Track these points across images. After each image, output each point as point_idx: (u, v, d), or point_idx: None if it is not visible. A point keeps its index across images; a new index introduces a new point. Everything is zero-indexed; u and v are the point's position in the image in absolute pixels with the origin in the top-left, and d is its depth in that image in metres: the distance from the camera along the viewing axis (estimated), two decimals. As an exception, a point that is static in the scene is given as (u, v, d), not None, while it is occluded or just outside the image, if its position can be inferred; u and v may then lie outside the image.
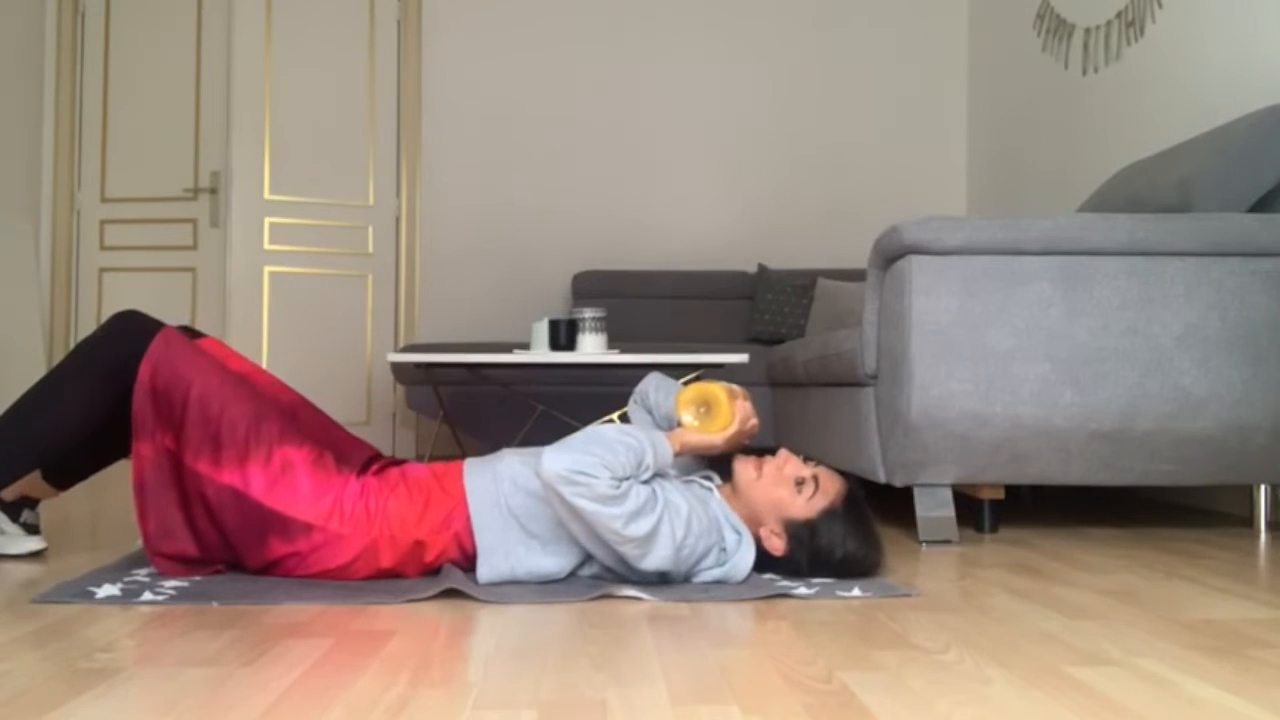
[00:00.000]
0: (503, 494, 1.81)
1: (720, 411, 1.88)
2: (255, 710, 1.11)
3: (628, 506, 1.67)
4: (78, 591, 1.69)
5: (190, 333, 2.00)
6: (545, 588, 1.76)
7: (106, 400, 1.90)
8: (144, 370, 1.81)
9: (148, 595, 1.68)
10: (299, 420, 1.96)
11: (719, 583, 1.80)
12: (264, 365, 4.52)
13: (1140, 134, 3.55)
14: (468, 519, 1.81)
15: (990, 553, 2.24)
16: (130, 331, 1.89)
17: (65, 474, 2.06)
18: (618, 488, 1.66)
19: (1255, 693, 1.20)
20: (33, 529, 2.06)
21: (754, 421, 1.92)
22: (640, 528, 1.69)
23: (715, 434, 1.88)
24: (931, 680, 1.24)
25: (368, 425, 4.80)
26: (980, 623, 1.56)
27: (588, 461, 1.66)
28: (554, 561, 1.80)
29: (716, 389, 1.90)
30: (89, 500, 3.02)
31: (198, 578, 1.82)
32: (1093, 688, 1.21)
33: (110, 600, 1.66)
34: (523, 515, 1.79)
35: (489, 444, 4.21)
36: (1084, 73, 3.92)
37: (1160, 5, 3.42)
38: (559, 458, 1.66)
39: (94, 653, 1.34)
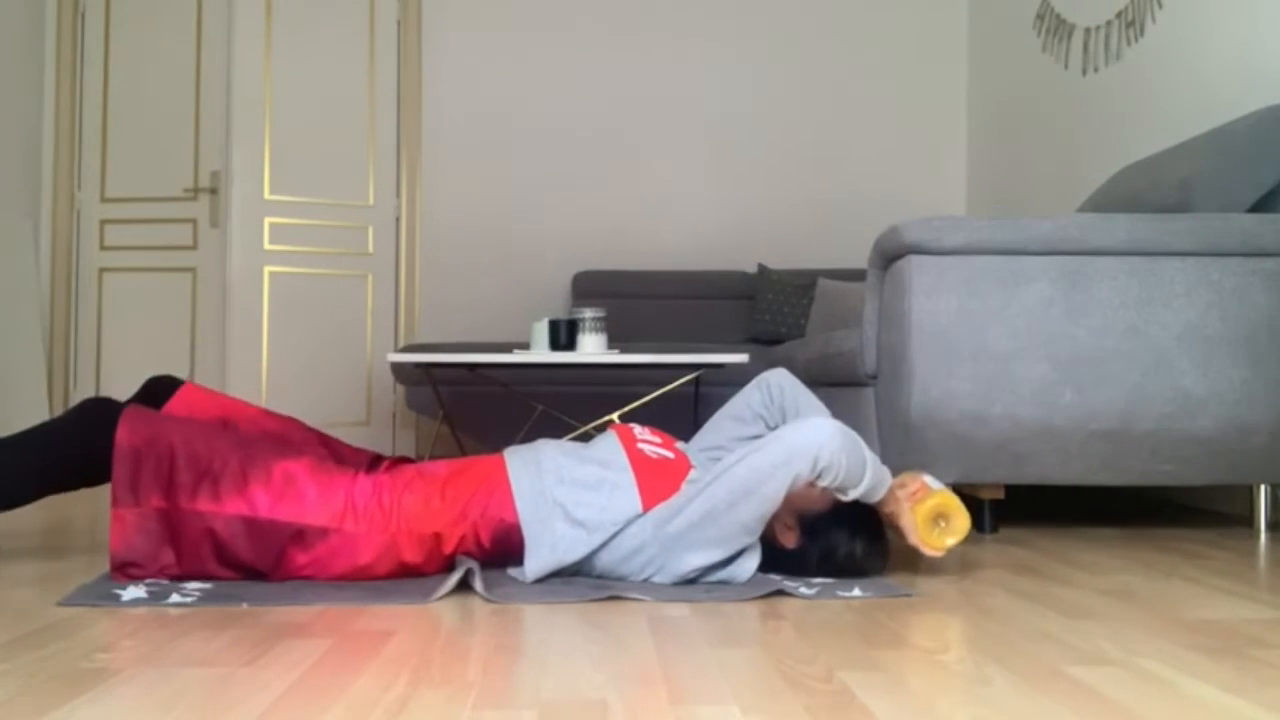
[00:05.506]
0: (547, 485, 1.81)
1: (951, 530, 1.87)
2: (255, 710, 1.11)
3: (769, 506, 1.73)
4: (103, 594, 1.67)
5: (167, 382, 2.02)
6: (547, 588, 1.76)
7: (66, 482, 1.88)
8: (121, 435, 1.77)
9: (175, 597, 1.66)
10: (291, 441, 1.96)
11: (721, 583, 1.81)
12: (264, 365, 4.53)
13: (1140, 134, 3.55)
14: (484, 511, 1.80)
15: (990, 553, 2.24)
16: (100, 424, 1.84)
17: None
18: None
19: (1255, 693, 1.20)
20: None
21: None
22: (753, 520, 1.74)
23: (929, 542, 1.86)
24: (931, 680, 1.24)
25: (368, 425, 4.80)
26: (980, 623, 1.56)
27: (844, 465, 1.72)
28: (598, 537, 1.80)
29: (964, 519, 1.87)
30: (89, 500, 3.02)
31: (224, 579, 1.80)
32: (1092, 688, 1.21)
33: (137, 602, 1.64)
34: (568, 504, 1.80)
35: (489, 444, 4.21)
36: (1084, 73, 3.92)
37: (1160, 5, 3.42)
38: (835, 440, 1.71)
39: (94, 653, 1.34)
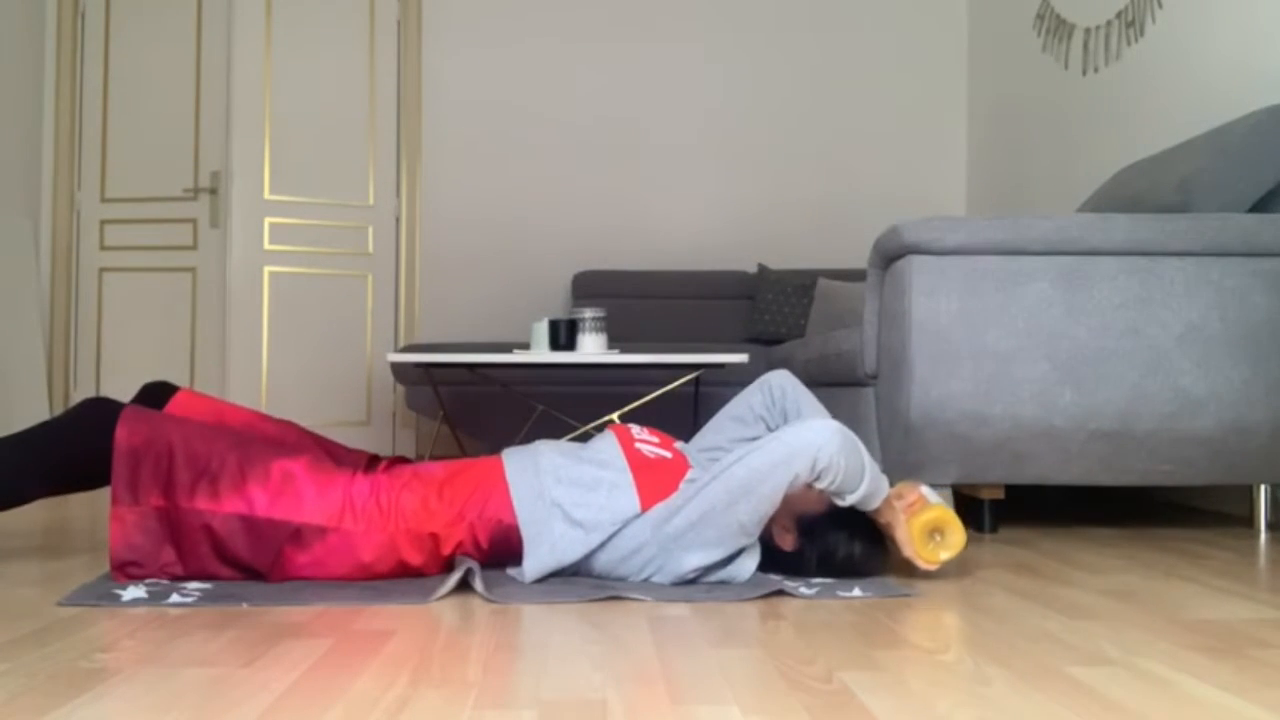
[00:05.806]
0: (545, 486, 1.81)
1: (946, 545, 1.86)
2: (255, 710, 1.11)
3: (767, 508, 1.72)
4: (103, 594, 1.67)
5: (164, 387, 2.02)
6: (548, 588, 1.76)
7: (65, 482, 1.88)
8: (120, 435, 1.77)
9: (175, 597, 1.66)
10: (286, 443, 1.96)
11: (720, 583, 1.81)
12: (264, 365, 4.53)
13: (1140, 134, 3.55)
14: (482, 512, 1.80)
15: (990, 553, 2.24)
16: (99, 424, 1.84)
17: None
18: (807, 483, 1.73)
19: (1255, 693, 1.20)
20: None
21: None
22: (751, 521, 1.74)
23: (924, 555, 1.85)
24: (931, 680, 1.24)
25: (368, 425, 4.80)
26: (980, 623, 1.56)
27: (843, 468, 1.71)
28: (596, 537, 1.80)
29: (959, 534, 1.86)
30: (89, 500, 3.02)
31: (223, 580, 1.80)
32: (1092, 688, 1.21)
33: (137, 602, 1.64)
34: (566, 504, 1.80)
35: (489, 444, 4.21)
36: (1084, 73, 3.92)
37: (1160, 5, 3.42)
38: (835, 442, 1.70)
39: (94, 653, 1.34)
